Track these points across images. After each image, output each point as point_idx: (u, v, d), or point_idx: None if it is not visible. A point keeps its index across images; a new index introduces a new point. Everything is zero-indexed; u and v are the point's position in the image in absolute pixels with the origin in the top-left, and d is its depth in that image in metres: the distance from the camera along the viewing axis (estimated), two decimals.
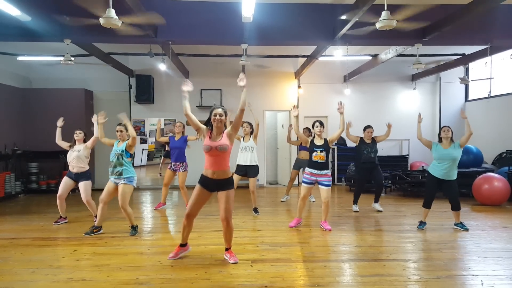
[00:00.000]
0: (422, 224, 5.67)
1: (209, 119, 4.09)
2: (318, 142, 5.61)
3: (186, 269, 3.91)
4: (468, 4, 5.53)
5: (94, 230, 5.35)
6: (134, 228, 5.39)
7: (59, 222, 6.04)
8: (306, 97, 11.12)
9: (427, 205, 5.65)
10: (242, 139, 6.75)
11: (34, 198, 8.95)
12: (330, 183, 5.56)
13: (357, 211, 6.91)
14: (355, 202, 7.08)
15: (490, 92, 10.07)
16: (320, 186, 5.56)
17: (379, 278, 3.65)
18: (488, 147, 9.87)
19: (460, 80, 9.34)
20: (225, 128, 4.06)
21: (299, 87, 11.01)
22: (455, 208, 5.57)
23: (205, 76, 10.64)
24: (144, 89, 10.29)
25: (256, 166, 6.69)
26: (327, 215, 5.67)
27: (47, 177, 9.81)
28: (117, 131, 5.36)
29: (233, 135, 4.05)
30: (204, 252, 4.47)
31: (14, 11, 5.38)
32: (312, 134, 5.90)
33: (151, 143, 11.10)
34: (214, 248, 4.62)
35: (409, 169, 10.66)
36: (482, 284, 3.54)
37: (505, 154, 9.49)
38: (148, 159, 13.70)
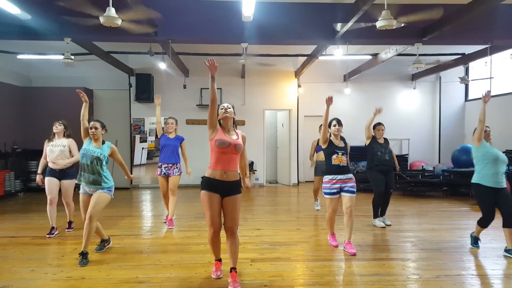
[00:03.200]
0: (476, 241, 4.72)
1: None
2: (338, 143, 4.66)
3: (186, 268, 3.91)
4: (468, 3, 5.53)
5: (106, 244, 4.58)
6: (104, 242, 4.58)
7: (53, 233, 5.22)
8: (306, 96, 11.12)
9: (485, 225, 4.60)
10: None
11: (34, 196, 8.95)
12: (355, 189, 4.54)
13: (384, 227, 5.72)
14: (376, 215, 5.83)
15: (490, 91, 10.07)
16: (343, 193, 4.51)
17: (379, 278, 3.66)
18: None
19: (460, 80, 9.33)
20: (235, 126, 3.71)
21: (299, 86, 11.00)
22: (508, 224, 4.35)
23: (205, 75, 10.46)
24: (144, 88, 10.28)
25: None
26: (351, 232, 4.53)
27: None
28: (91, 128, 4.31)
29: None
30: (203, 251, 4.47)
31: (14, 10, 5.38)
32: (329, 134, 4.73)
33: (151, 141, 11.08)
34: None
35: (408, 168, 10.66)
36: (481, 283, 3.54)
37: (505, 154, 9.49)
38: (148, 158, 13.69)
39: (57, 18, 6.02)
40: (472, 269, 3.92)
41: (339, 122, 4.70)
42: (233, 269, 3.46)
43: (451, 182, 8.90)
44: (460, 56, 9.57)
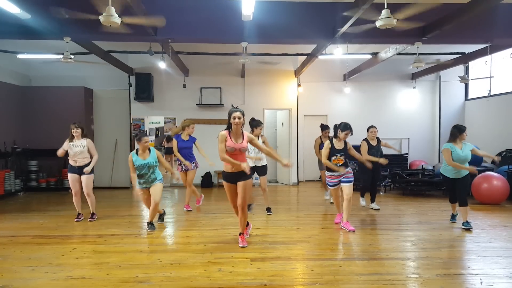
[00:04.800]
0: (453, 217, 6.01)
1: (229, 121, 4.47)
2: (338, 146, 5.50)
3: (186, 267, 3.91)
4: (468, 3, 5.52)
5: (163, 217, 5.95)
6: (152, 225, 5.54)
7: (80, 218, 6.10)
8: (306, 95, 11.12)
9: (453, 200, 5.93)
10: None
11: (34, 196, 8.96)
12: (352, 179, 5.54)
13: (378, 209, 6.93)
14: (362, 196, 7.22)
15: (490, 91, 10.07)
16: (342, 183, 5.54)
17: (379, 277, 3.66)
18: (488, 146, 9.86)
19: (460, 79, 9.33)
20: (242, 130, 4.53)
21: (299, 85, 11.00)
22: (462, 203, 5.61)
23: (205, 74, 10.63)
24: (144, 87, 10.28)
25: (265, 166, 6.76)
26: (349, 214, 5.54)
27: (47, 175, 9.81)
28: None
29: (251, 143, 4.64)
30: (203, 250, 4.47)
31: (13, 9, 5.37)
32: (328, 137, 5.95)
33: (151, 141, 11.08)
34: (213, 246, 4.62)
35: (408, 167, 10.66)
36: (481, 283, 3.54)
37: (504, 153, 9.49)
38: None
39: (57, 18, 6.01)
40: (471, 268, 3.91)
41: (350, 129, 5.51)
42: (242, 233, 4.71)
43: None
44: (460, 55, 9.56)
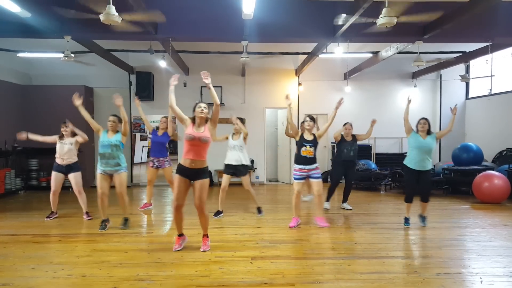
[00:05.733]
0: (407, 221, 5.67)
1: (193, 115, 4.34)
2: (308, 136, 5.58)
3: (186, 266, 3.92)
4: (469, 1, 5.51)
5: (106, 223, 5.43)
6: (126, 221, 5.51)
7: (51, 217, 6.11)
8: (307, 94, 11.11)
9: (409, 200, 5.67)
10: (230, 137, 6.36)
11: (34, 194, 8.97)
12: (320, 175, 5.64)
13: (327, 209, 6.80)
14: (328, 199, 6.92)
15: (490, 89, 10.07)
16: (311, 179, 5.58)
17: (379, 276, 3.66)
18: (489, 145, 9.87)
19: (460, 78, 9.32)
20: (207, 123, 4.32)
21: (299, 84, 11.00)
22: (425, 199, 5.61)
23: None
24: (144, 86, 10.28)
25: (246, 165, 6.32)
26: (321, 209, 5.68)
27: (47, 173, 9.77)
28: (110, 121, 5.41)
29: (213, 129, 4.32)
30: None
31: (14, 8, 5.37)
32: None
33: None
34: (214, 245, 4.62)
35: None
36: (481, 281, 3.54)
37: (505, 152, 9.49)
38: (148, 156, 13.70)
39: (57, 16, 6.01)
40: (472, 267, 3.92)
41: (312, 119, 5.61)
42: (204, 235, 4.49)
43: (452, 180, 8.89)
44: (461, 54, 9.55)
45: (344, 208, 6.93)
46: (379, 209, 6.96)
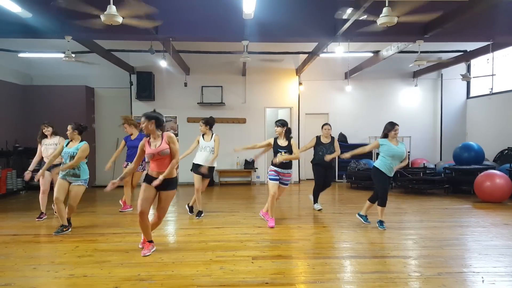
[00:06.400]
0: (367, 219, 5.73)
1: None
2: (282, 142, 5.64)
3: (187, 266, 3.92)
4: (470, 0, 5.50)
5: (64, 229, 5.23)
6: (63, 227, 5.25)
7: (42, 217, 6.10)
8: (307, 94, 11.11)
9: (374, 201, 5.62)
10: (201, 137, 6.20)
11: (36, 194, 8.90)
12: (289, 182, 5.79)
13: (320, 209, 6.77)
14: (316, 201, 6.90)
15: (491, 89, 10.05)
16: (280, 184, 5.67)
17: (380, 275, 3.66)
18: (490, 144, 9.85)
19: (461, 77, 9.30)
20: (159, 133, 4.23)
21: (300, 84, 10.99)
22: (384, 204, 5.49)
23: (206, 73, 10.63)
24: (145, 86, 10.28)
25: (213, 168, 6.21)
26: (271, 208, 5.66)
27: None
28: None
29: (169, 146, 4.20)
30: (205, 249, 4.48)
31: (15, 8, 5.38)
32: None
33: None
34: (215, 244, 4.62)
35: (410, 166, 10.64)
36: (483, 281, 3.54)
37: (506, 151, 9.47)
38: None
39: (58, 16, 6.02)
40: (473, 267, 3.91)
41: (282, 124, 5.68)
42: (150, 241, 4.38)
43: (453, 180, 8.88)
44: (462, 53, 9.54)
45: (316, 209, 6.84)
46: (319, 211, 6.92)
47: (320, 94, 11.29)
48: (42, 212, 6.14)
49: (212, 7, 6.44)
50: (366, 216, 5.80)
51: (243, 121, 10.76)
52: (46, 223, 5.94)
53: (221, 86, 10.68)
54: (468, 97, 11.51)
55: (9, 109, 9.38)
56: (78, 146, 5.24)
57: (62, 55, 7.15)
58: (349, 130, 11.15)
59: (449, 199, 8.07)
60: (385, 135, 5.55)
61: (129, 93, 10.54)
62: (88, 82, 10.50)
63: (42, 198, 6.06)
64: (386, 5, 4.73)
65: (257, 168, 10.86)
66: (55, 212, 5.85)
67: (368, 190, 9.32)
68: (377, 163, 5.60)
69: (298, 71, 10.81)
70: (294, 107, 11.01)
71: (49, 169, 5.95)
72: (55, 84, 10.22)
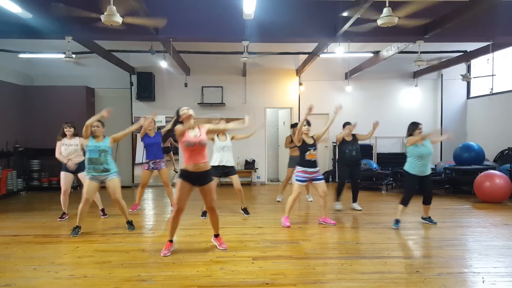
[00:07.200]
0: (398, 222, 5.54)
1: (177, 119, 4.32)
2: (309, 141, 5.65)
3: (188, 266, 3.92)
4: (470, 1, 5.51)
5: (79, 230, 5.20)
6: (131, 223, 5.47)
7: (64, 218, 6.11)
8: (308, 94, 11.09)
9: (406, 203, 5.59)
10: (217, 138, 6.24)
11: (36, 195, 8.98)
12: (323, 177, 5.74)
13: (340, 210, 6.77)
14: (337, 199, 6.93)
15: (492, 89, 10.05)
16: (315, 182, 5.64)
17: (380, 275, 3.66)
18: (490, 144, 9.85)
19: (462, 77, 9.30)
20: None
21: (300, 84, 10.99)
22: (428, 202, 5.67)
23: (206, 73, 10.64)
24: (145, 86, 10.29)
25: (233, 167, 6.28)
26: (326, 210, 5.76)
27: (49, 174, 9.83)
28: (93, 127, 5.24)
29: (209, 135, 4.41)
30: (205, 249, 4.48)
31: (15, 8, 5.38)
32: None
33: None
34: (215, 245, 4.62)
35: None
36: (483, 281, 3.54)
37: (507, 151, 9.47)
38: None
39: (58, 17, 6.02)
40: (474, 267, 3.91)
41: (308, 123, 5.74)
42: (217, 235, 4.56)
43: (453, 180, 8.88)
44: (462, 53, 9.53)
45: (354, 209, 6.88)
46: (381, 209, 6.96)
47: (320, 94, 11.27)
48: (64, 213, 6.13)
49: (212, 8, 6.44)
50: (398, 220, 5.60)
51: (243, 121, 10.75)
52: (46, 223, 5.94)
53: (222, 87, 10.68)
54: (468, 97, 11.50)
55: (9, 109, 9.39)
56: (107, 140, 5.34)
57: (62, 56, 7.16)
58: None
59: (450, 199, 8.07)
60: (410, 135, 5.66)
61: (130, 94, 10.55)
62: (88, 83, 10.50)
63: (63, 198, 6.04)
64: (387, 5, 4.73)
65: (257, 169, 10.86)
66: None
67: (369, 190, 9.32)
68: (406, 167, 5.71)
69: (299, 71, 10.81)
70: (294, 108, 11.01)
71: (72, 171, 5.99)
72: (55, 84, 10.22)
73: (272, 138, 11.91)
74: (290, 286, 3.45)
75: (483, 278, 3.61)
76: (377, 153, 10.96)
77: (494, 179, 7.49)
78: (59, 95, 9.91)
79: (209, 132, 4.32)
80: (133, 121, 10.53)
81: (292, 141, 7.12)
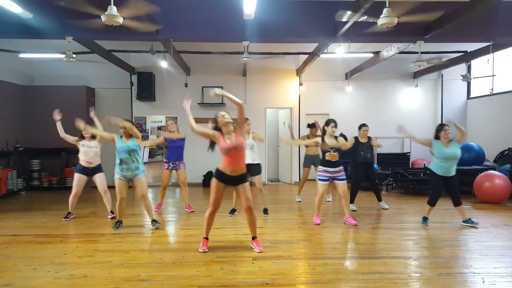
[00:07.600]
0: (426, 220, 5.71)
1: (215, 126, 4.31)
2: (331, 142, 5.59)
3: (188, 266, 3.92)
4: (470, 1, 5.51)
5: (120, 225, 5.51)
6: (155, 221, 5.59)
7: (69, 217, 6.12)
8: (308, 94, 11.11)
9: (433, 203, 5.66)
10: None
11: (36, 195, 8.98)
12: (345, 177, 5.70)
13: (355, 210, 6.77)
14: (352, 201, 6.90)
15: (492, 89, 10.05)
16: (336, 181, 5.67)
17: (380, 276, 3.66)
18: (490, 145, 9.84)
19: (462, 78, 9.30)
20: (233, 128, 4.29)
21: (300, 84, 10.99)
22: (457, 203, 5.64)
23: (207, 73, 10.64)
24: (146, 86, 10.29)
25: (258, 164, 6.32)
26: (348, 209, 5.81)
27: (49, 174, 9.84)
28: (121, 128, 5.42)
29: (241, 131, 4.29)
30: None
31: (15, 8, 5.38)
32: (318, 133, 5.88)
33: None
34: (215, 245, 4.62)
35: (410, 166, 10.65)
36: (483, 282, 3.53)
37: (507, 152, 9.47)
38: (149, 157, 13.71)
39: (59, 17, 6.02)
40: (474, 267, 3.91)
41: (335, 124, 5.65)
42: (254, 237, 4.50)
43: None
44: (462, 53, 9.53)
45: (382, 208, 6.95)
46: (381, 209, 6.95)
47: (320, 94, 11.28)
48: (70, 212, 6.16)
49: (212, 8, 6.44)
50: (426, 218, 5.74)
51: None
52: (46, 223, 5.94)
53: (222, 87, 10.64)
54: (468, 97, 11.50)
55: (9, 109, 9.39)
56: (134, 140, 5.43)
57: (62, 56, 7.16)
58: (350, 130, 11.06)
59: (450, 199, 8.05)
60: (436, 137, 5.63)
61: (130, 94, 10.55)
62: (88, 83, 10.50)
63: (72, 199, 6.09)
64: (387, 5, 4.73)
65: None
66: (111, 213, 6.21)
67: (369, 190, 9.31)
68: (431, 166, 5.72)
69: (299, 71, 10.81)
70: (294, 108, 11.02)
71: (86, 173, 6.08)
72: (55, 84, 10.22)
73: (272, 138, 11.90)
74: (290, 286, 3.45)
75: (483, 278, 3.61)
76: (377, 154, 10.94)
77: (494, 179, 7.48)
78: (59, 95, 9.90)
79: (239, 132, 4.28)
80: (133, 121, 10.55)
81: (308, 138, 7.37)
